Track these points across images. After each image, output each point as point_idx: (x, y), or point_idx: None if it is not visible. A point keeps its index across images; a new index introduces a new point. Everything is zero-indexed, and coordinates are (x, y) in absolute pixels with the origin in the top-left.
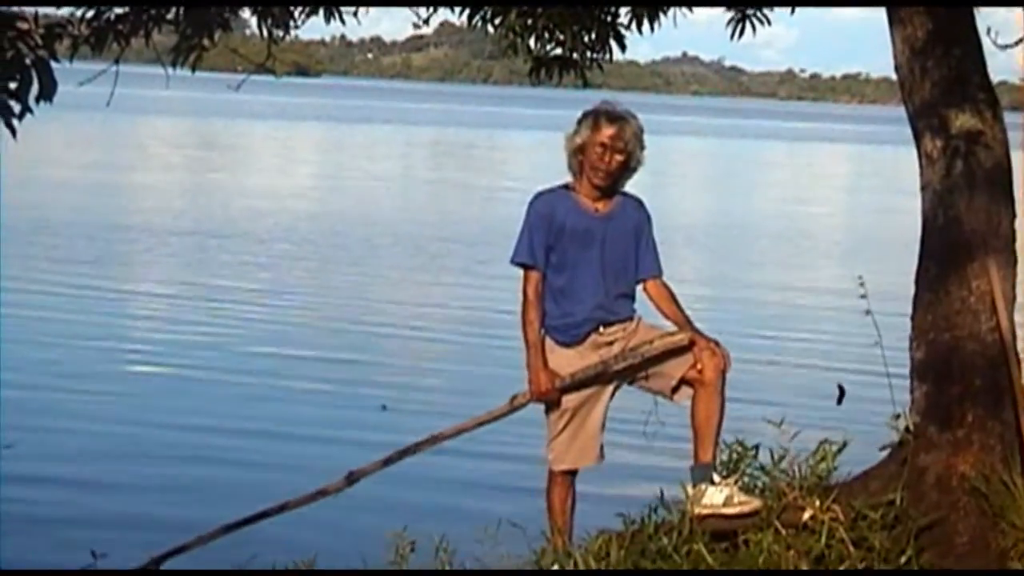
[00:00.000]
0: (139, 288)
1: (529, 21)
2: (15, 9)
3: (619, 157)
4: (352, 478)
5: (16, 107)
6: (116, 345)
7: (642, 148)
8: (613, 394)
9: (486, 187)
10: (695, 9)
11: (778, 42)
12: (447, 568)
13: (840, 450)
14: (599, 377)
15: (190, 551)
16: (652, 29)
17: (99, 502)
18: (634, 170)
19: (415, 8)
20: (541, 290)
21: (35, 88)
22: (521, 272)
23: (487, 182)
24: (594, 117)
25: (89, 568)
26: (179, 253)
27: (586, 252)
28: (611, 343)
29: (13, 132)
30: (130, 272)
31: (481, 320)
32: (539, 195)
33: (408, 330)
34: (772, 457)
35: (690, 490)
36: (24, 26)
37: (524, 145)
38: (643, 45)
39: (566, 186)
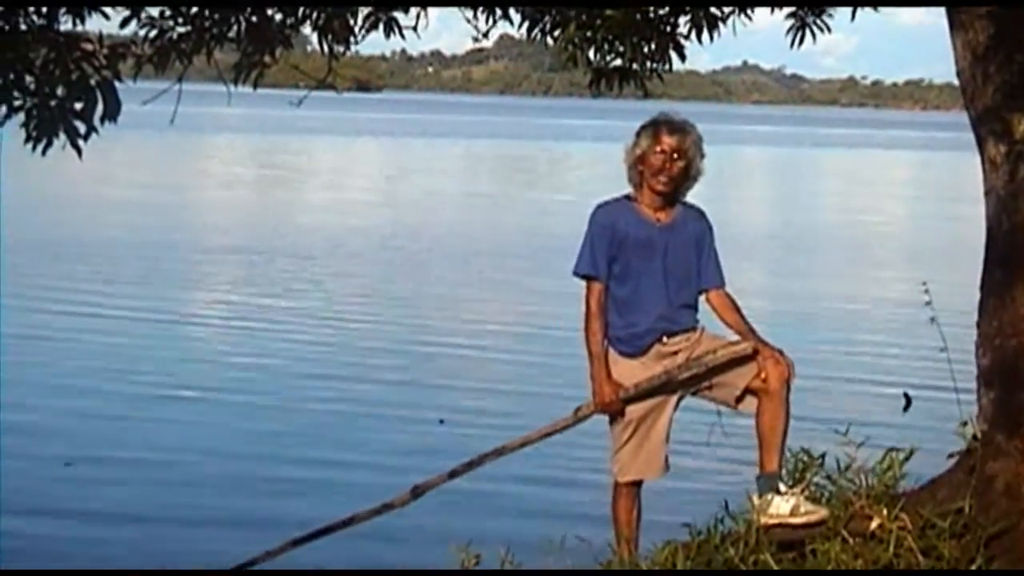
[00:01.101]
0: (194, 308)
1: (588, 33)
2: (80, 30)
3: (680, 163)
4: (418, 491)
5: (82, 127)
6: (173, 367)
7: (702, 157)
8: (677, 405)
9: (545, 200)
10: (755, 18)
11: (838, 49)
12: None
13: (907, 458)
14: (663, 387)
15: (257, 565)
16: (712, 38)
17: (159, 530)
18: (695, 179)
19: (474, 21)
20: (604, 301)
21: (100, 108)
22: (584, 284)
23: (546, 195)
24: (654, 127)
25: (96, 569)
26: (235, 271)
27: (649, 262)
28: (675, 353)
29: (79, 152)
30: (187, 292)
31: (540, 335)
32: (601, 206)
33: (468, 347)
34: (838, 466)
35: (756, 500)
36: (89, 47)
37: (584, 157)
38: (703, 55)
39: (628, 197)
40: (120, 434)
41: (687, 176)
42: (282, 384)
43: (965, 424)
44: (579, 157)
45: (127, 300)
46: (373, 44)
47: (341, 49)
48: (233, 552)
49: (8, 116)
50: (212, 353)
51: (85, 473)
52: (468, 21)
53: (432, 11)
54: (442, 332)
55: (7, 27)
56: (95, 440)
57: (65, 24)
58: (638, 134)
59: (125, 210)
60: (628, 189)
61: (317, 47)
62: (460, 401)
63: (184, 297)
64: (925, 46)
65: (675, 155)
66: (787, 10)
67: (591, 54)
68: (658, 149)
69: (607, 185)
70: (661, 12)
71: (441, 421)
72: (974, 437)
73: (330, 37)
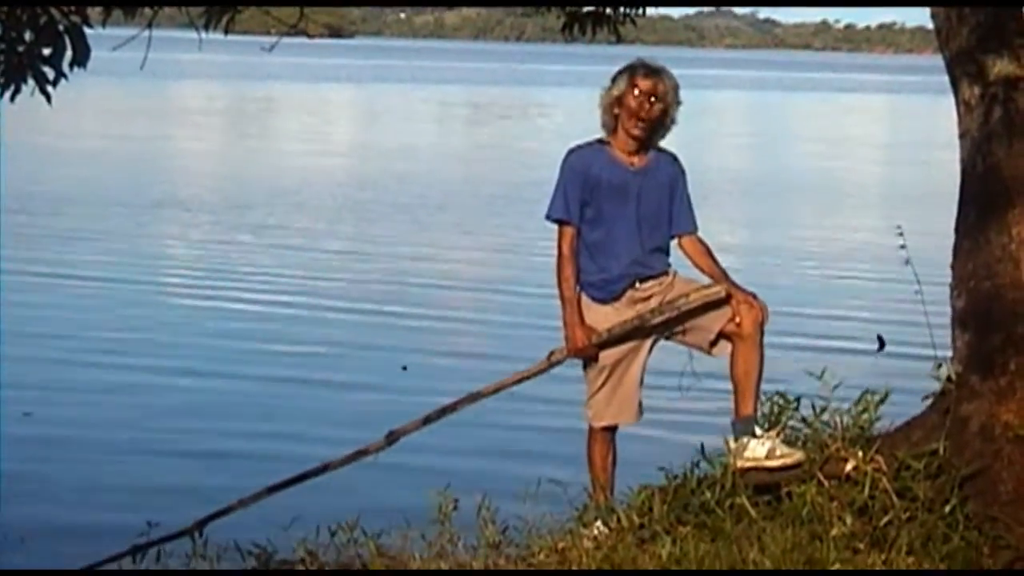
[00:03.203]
0: (150, 263)
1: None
2: None
3: (658, 107)
4: (392, 437)
5: (50, 73)
6: (155, 288)
7: (678, 103)
8: (651, 350)
9: (518, 145)
10: None
11: None
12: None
13: (882, 401)
14: (636, 332)
15: (232, 513)
16: None
17: (133, 470)
18: (669, 128)
19: None
20: (576, 246)
21: (68, 54)
22: (556, 228)
23: (519, 140)
24: (632, 70)
25: (93, 566)
26: (194, 224)
27: (622, 207)
28: (648, 298)
29: (48, 98)
30: (143, 247)
31: (511, 281)
32: (573, 150)
33: (443, 289)
34: (814, 409)
35: (732, 444)
36: None
37: (558, 100)
38: None
39: (601, 141)
40: (66, 398)
41: (663, 121)
42: (246, 338)
43: (940, 366)
44: (553, 102)
45: (72, 257)
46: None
47: None
48: (194, 483)
49: None
50: (165, 312)
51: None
52: None
53: None
54: (412, 280)
55: None
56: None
57: None
58: (615, 78)
59: (84, 162)
60: (601, 134)
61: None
62: (430, 347)
63: (141, 252)
64: None
65: (652, 98)
66: None
67: None
68: (636, 91)
69: (581, 130)
70: None
71: (404, 368)
72: (948, 379)
73: None
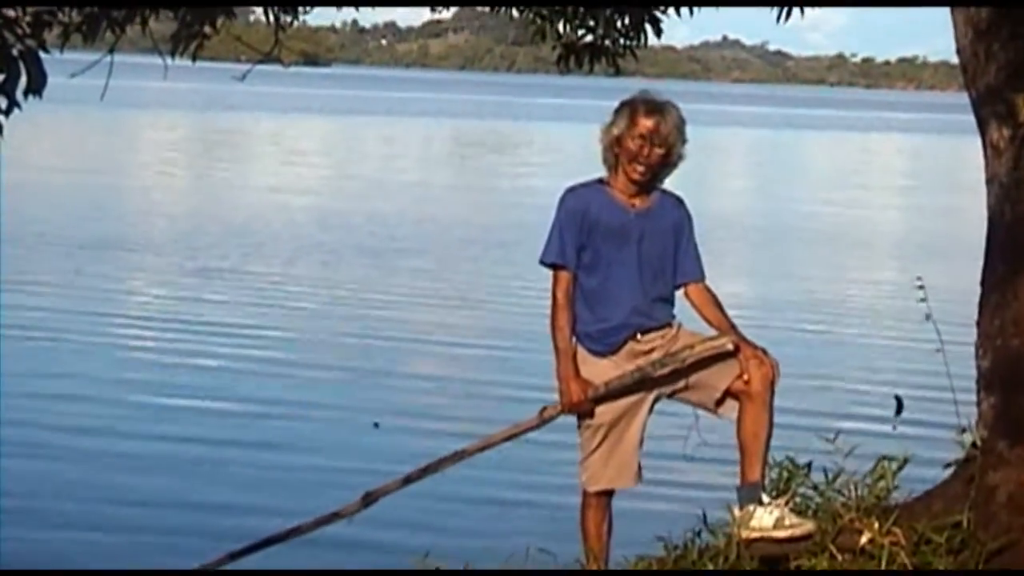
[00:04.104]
0: (114, 307)
1: (558, 5)
2: None
3: (659, 150)
4: (369, 499)
5: (3, 102)
6: (90, 340)
7: (683, 142)
8: (651, 408)
9: (510, 184)
10: None
11: (826, 24)
12: None
13: (900, 468)
14: (636, 386)
15: None
16: (691, 12)
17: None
18: (674, 165)
19: None
20: (572, 292)
21: (23, 80)
22: (551, 273)
23: (511, 179)
24: (632, 107)
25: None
26: (163, 264)
27: (621, 251)
28: (649, 351)
29: None
30: (111, 290)
31: (501, 330)
32: (571, 190)
33: (428, 342)
34: (826, 476)
35: (737, 512)
36: (10, 13)
37: (551, 139)
38: (680, 28)
39: (600, 180)
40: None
41: (666, 162)
42: (214, 380)
43: (963, 431)
44: (547, 138)
45: (34, 298)
46: (322, 15)
47: (288, 19)
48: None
49: None
50: (101, 367)
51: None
52: None
53: None
54: (391, 327)
55: None
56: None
57: None
58: (616, 113)
59: (24, 198)
60: (599, 174)
61: (262, 17)
62: (404, 401)
63: (74, 298)
64: (921, 21)
65: (654, 140)
66: None
67: (560, 27)
68: (636, 132)
69: (577, 168)
70: None
71: (376, 424)
72: (973, 445)
73: (276, 7)
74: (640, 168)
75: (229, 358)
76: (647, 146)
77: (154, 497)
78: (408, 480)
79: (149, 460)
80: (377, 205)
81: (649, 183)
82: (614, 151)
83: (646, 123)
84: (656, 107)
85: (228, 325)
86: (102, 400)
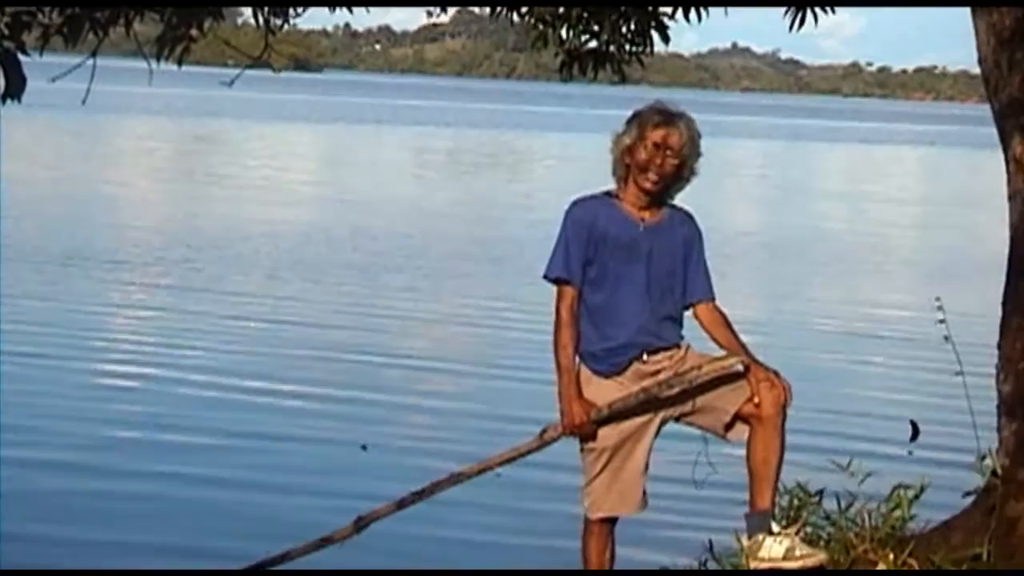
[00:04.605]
0: (97, 312)
1: (561, 9)
2: None
3: (672, 161)
4: (361, 524)
5: None
6: (56, 365)
7: (698, 156)
8: (657, 432)
9: (507, 198)
10: None
11: (841, 31)
12: None
13: (917, 496)
14: (641, 408)
15: None
16: (700, 18)
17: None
18: (687, 180)
19: None
20: (577, 309)
21: (1, 84)
22: (554, 289)
23: (509, 192)
24: (646, 116)
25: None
26: (147, 272)
27: (629, 267)
28: (656, 373)
29: None
30: (60, 304)
31: (498, 349)
32: (577, 202)
33: (416, 362)
34: (838, 504)
35: (745, 541)
36: None
37: (552, 149)
38: (688, 35)
39: (609, 193)
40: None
41: (679, 175)
42: (191, 404)
43: (983, 458)
44: (549, 149)
45: (33, 315)
46: (313, 18)
47: (278, 22)
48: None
49: None
50: (72, 395)
51: None
52: None
53: None
54: (377, 347)
55: None
56: None
57: None
58: (628, 122)
59: (7, 207)
60: (603, 187)
61: (251, 20)
62: (393, 424)
63: (74, 312)
64: (940, 29)
65: (667, 151)
66: None
67: (563, 33)
68: (648, 142)
69: (579, 180)
70: None
71: (364, 447)
72: (993, 473)
73: (266, 9)
74: (652, 178)
75: (204, 383)
76: (660, 156)
77: (136, 523)
78: (402, 504)
79: (128, 489)
80: (364, 218)
81: (660, 196)
82: (625, 161)
83: (659, 133)
84: (670, 117)
85: (202, 347)
86: (71, 434)
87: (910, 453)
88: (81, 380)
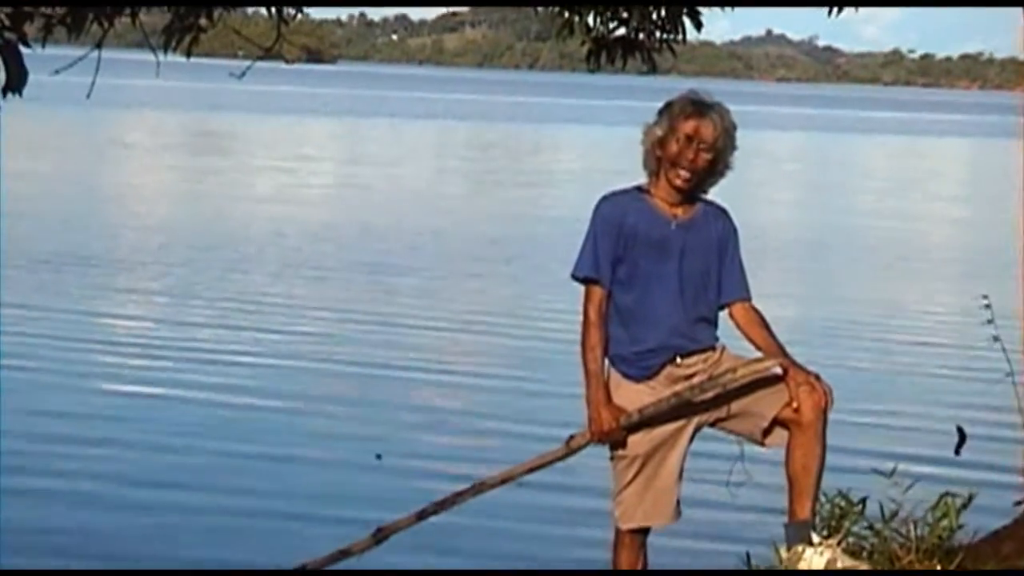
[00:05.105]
0: (98, 325)
1: None
2: None
3: (706, 155)
4: (380, 535)
5: None
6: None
7: (733, 149)
8: (692, 438)
9: (529, 195)
10: None
11: (881, 17)
12: None
13: (965, 505)
14: (674, 414)
15: None
16: (733, 5)
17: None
18: (721, 174)
19: None
20: (606, 310)
21: (1, 77)
22: (582, 289)
23: (530, 189)
24: (678, 107)
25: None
26: (167, 271)
27: (661, 266)
28: (690, 376)
29: None
30: (95, 305)
31: (522, 353)
32: (607, 197)
33: (446, 366)
34: (882, 513)
35: (784, 552)
36: None
37: (578, 144)
38: (720, 22)
39: (639, 188)
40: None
41: (713, 170)
42: (199, 414)
43: None
44: (575, 143)
45: (37, 319)
46: (327, 6)
47: (291, 12)
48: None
49: None
50: (120, 378)
51: None
52: None
53: None
54: (388, 353)
55: None
56: None
57: None
58: (660, 113)
59: (5, 206)
60: (632, 182)
61: (262, 9)
62: (408, 432)
63: (71, 315)
64: (986, 14)
65: (700, 145)
66: None
67: (589, 21)
68: (680, 134)
69: (607, 177)
70: None
71: (378, 456)
72: None
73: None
74: (684, 174)
75: (211, 388)
76: (692, 150)
77: (147, 540)
78: (423, 515)
79: (138, 502)
80: (376, 217)
81: (693, 191)
82: (656, 154)
83: (692, 125)
84: (704, 108)
85: (206, 351)
86: (77, 440)
87: (957, 455)
88: (75, 398)
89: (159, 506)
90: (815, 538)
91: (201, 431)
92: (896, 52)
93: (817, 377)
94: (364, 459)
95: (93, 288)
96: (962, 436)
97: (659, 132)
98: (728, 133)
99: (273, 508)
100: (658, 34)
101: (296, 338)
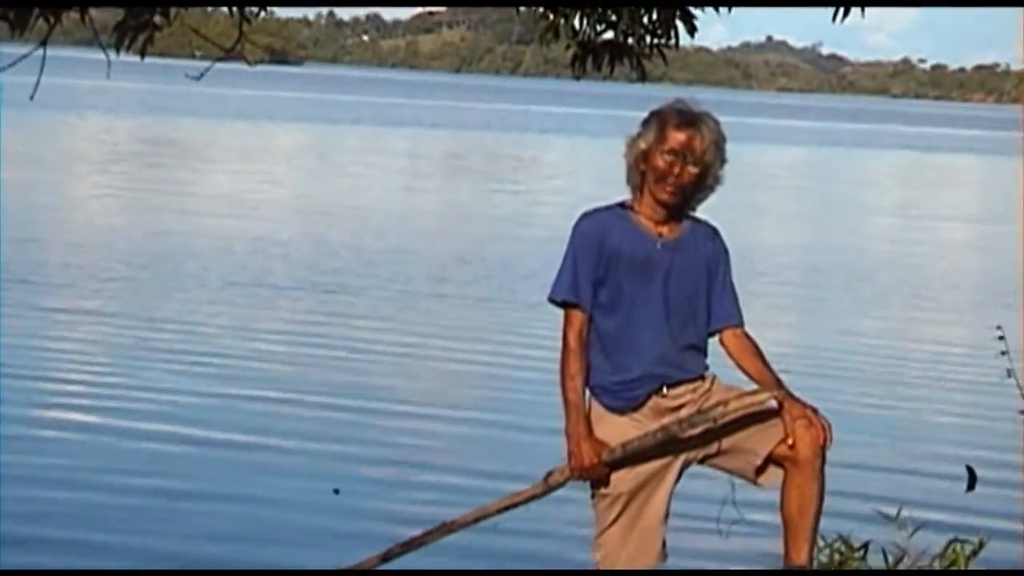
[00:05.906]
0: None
1: None
2: None
3: (692, 169)
4: None
5: None
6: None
7: (722, 162)
8: (679, 476)
9: (505, 210)
10: None
11: (891, 23)
12: None
13: (975, 551)
14: (660, 449)
15: None
16: (729, 8)
17: None
18: (711, 189)
19: None
20: (587, 336)
21: None
22: (561, 313)
23: (507, 203)
24: (663, 118)
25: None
26: (99, 290)
27: (645, 288)
28: (677, 408)
29: None
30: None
31: (494, 380)
32: (587, 214)
33: (410, 395)
34: (885, 559)
35: None
36: None
37: (561, 155)
38: (717, 27)
39: (622, 204)
40: None
41: (701, 184)
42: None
43: None
44: (558, 154)
45: None
46: (293, 6)
47: (254, 10)
48: None
49: None
50: (40, 407)
51: None
52: None
53: None
54: (362, 379)
55: None
56: None
57: None
58: (644, 124)
59: None
60: (618, 198)
61: (223, 6)
62: (367, 467)
63: (14, 332)
64: (1002, 22)
65: (687, 157)
66: None
67: (575, 23)
68: (665, 148)
69: (593, 190)
70: None
71: (336, 491)
72: None
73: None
74: (669, 189)
75: (145, 417)
76: (678, 163)
77: None
78: (387, 556)
79: (63, 546)
80: (333, 233)
81: (679, 208)
82: (640, 168)
83: (678, 137)
84: (691, 119)
85: (140, 379)
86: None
87: (969, 491)
88: None
89: (84, 551)
90: None
91: (135, 468)
92: (906, 62)
93: (815, 411)
94: (320, 496)
95: (17, 307)
96: (973, 476)
97: (643, 145)
98: (717, 145)
99: (218, 554)
100: (649, 38)
101: (242, 364)
